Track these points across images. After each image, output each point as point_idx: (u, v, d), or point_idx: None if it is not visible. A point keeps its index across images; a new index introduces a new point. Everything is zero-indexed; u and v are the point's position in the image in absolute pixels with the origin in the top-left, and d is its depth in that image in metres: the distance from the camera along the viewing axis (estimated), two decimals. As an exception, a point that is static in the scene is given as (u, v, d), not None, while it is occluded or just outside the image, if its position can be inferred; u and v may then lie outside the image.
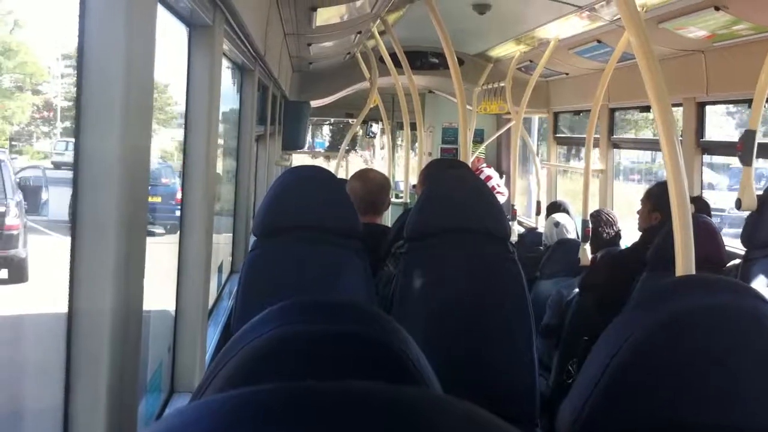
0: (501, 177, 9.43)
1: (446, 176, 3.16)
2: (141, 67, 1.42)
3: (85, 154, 1.34)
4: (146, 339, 2.23)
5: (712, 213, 4.35)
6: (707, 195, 5.20)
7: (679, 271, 2.41)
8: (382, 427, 0.49)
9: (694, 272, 2.40)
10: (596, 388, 1.09)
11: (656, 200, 4.08)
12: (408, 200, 7.91)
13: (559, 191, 8.16)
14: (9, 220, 3.03)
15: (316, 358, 0.99)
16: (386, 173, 8.59)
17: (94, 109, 1.34)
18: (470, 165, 6.32)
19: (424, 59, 8.46)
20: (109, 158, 1.34)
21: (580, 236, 5.67)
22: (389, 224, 4.40)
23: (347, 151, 11.14)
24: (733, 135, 5.59)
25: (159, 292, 2.55)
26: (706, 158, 5.28)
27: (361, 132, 13.00)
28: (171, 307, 2.52)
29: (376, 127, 12.65)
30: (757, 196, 3.51)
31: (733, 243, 4.22)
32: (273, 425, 0.48)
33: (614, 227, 5.21)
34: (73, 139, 1.36)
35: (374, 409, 0.50)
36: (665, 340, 1.08)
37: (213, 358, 2.76)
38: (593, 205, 5.76)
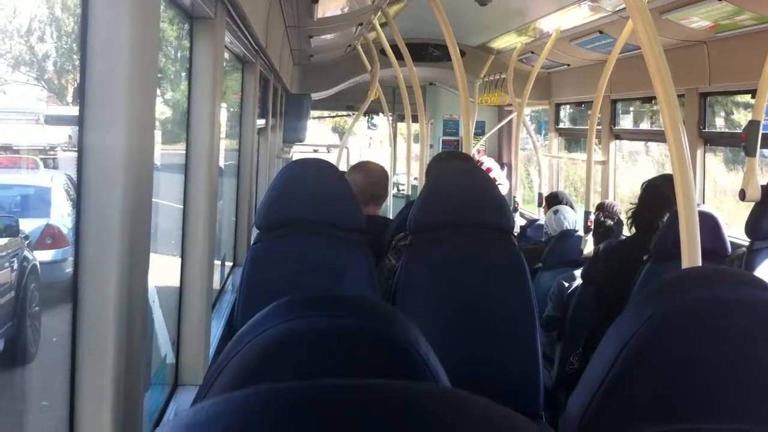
0: (502, 169, 9.41)
1: (449, 169, 3.15)
2: (144, 61, 1.41)
3: (89, 149, 1.33)
4: (150, 332, 2.23)
5: None
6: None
7: (685, 262, 2.40)
8: (399, 425, 0.48)
9: (700, 263, 2.39)
10: (605, 381, 1.08)
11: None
12: (410, 193, 7.89)
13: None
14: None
15: (324, 353, 0.99)
16: (387, 165, 8.55)
17: (97, 104, 1.33)
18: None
19: (425, 51, 8.44)
20: (114, 154, 1.33)
21: (582, 227, 5.67)
22: (390, 216, 4.39)
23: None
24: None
25: (163, 286, 2.55)
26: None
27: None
28: (175, 300, 2.51)
29: (377, 120, 12.64)
30: (762, 186, 3.50)
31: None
32: (288, 423, 0.48)
33: (616, 218, 5.20)
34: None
35: (392, 407, 0.49)
36: (675, 333, 1.07)
37: (217, 351, 2.76)
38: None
